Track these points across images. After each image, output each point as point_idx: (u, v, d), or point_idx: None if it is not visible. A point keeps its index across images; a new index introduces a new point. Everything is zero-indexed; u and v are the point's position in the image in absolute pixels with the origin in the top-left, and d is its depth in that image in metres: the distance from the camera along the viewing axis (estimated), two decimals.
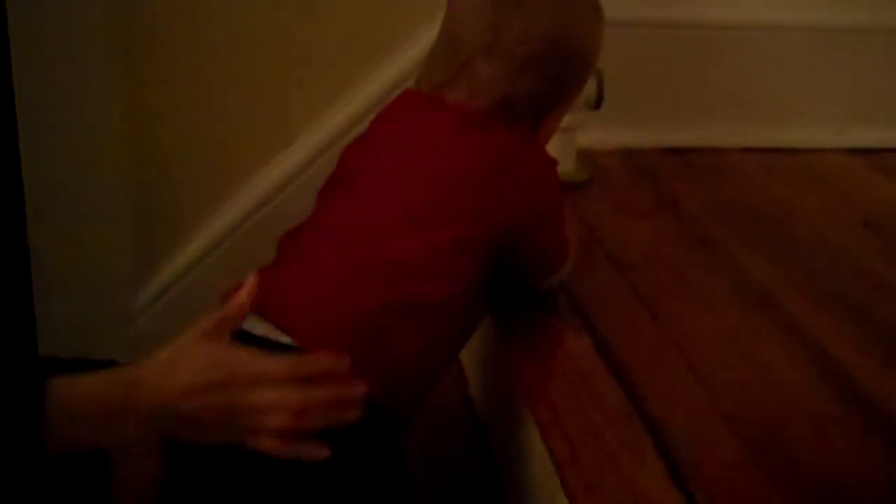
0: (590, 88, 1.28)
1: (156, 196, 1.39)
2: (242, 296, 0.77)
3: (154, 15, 1.30)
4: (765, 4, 1.52)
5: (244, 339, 0.81)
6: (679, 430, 0.82)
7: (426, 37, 1.37)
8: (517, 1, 0.94)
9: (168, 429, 0.74)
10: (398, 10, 1.38)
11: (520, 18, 0.93)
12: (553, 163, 1.00)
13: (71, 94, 1.27)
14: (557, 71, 0.96)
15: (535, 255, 0.99)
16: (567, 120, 1.31)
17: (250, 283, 0.78)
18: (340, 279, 0.88)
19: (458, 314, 0.93)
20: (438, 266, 0.89)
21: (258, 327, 0.84)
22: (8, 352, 1.05)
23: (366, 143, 1.02)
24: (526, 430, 0.96)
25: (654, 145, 1.54)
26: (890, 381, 0.91)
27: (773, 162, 1.52)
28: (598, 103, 1.29)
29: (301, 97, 1.40)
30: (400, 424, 0.90)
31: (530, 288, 1.04)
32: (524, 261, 0.99)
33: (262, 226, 1.42)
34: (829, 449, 0.81)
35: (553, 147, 1.32)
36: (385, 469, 0.87)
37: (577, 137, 1.36)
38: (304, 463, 0.75)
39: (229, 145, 1.39)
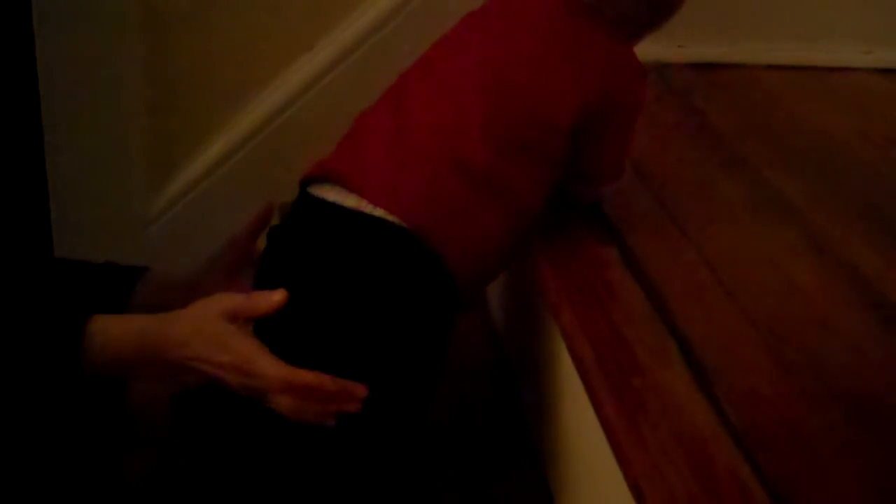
0: None
1: (173, 102, 1.37)
2: (271, 300, 0.84)
3: None
4: None
5: (325, 206, 0.89)
6: (705, 337, 0.82)
7: None
8: None
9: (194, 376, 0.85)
10: None
11: None
12: (644, 72, 1.01)
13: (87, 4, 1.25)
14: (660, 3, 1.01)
15: (596, 154, 0.98)
16: None
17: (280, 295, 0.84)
18: (422, 152, 0.89)
19: (530, 196, 0.94)
20: (518, 143, 0.91)
21: (346, 199, 0.88)
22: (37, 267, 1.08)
23: (466, 23, 1.03)
24: (549, 337, 0.96)
25: (681, 60, 1.51)
26: None
27: (799, 80, 1.49)
28: None
29: (319, 2, 1.37)
30: (462, 301, 0.92)
31: (574, 195, 1.03)
32: (583, 157, 0.97)
33: (279, 134, 1.40)
34: (856, 360, 0.81)
35: None
36: (437, 337, 0.90)
37: None
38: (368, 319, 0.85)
39: (248, 51, 1.37)
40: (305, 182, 0.94)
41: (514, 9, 1.00)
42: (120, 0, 1.26)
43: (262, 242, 1.11)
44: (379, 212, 0.86)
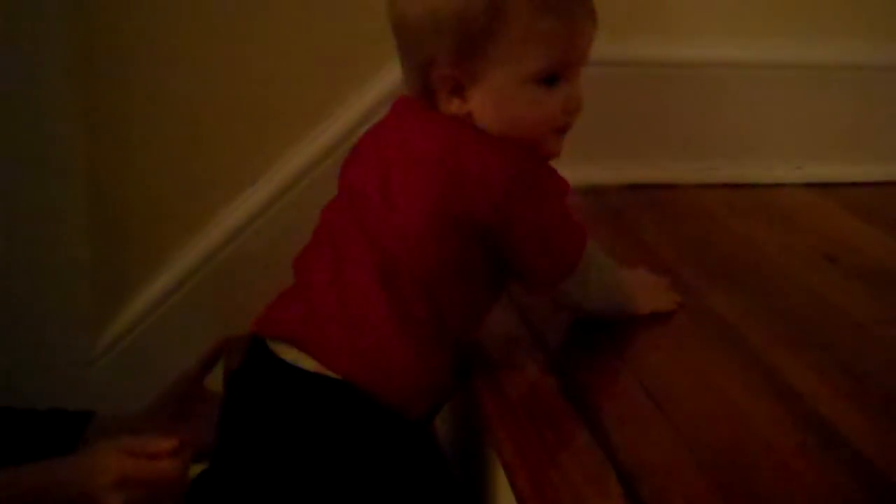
0: None
1: (116, 239, 1.37)
2: (165, 446, 0.91)
3: (117, 57, 1.29)
4: (725, 42, 1.54)
5: (289, 371, 0.90)
6: (643, 464, 0.82)
7: (391, 75, 1.38)
8: None
9: None
10: (363, 46, 1.37)
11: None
12: (500, 145, 0.90)
13: (30, 136, 1.25)
14: (413, 40, 0.91)
15: (520, 258, 0.94)
16: None
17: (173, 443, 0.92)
18: (369, 313, 0.90)
19: (471, 321, 0.98)
20: (447, 268, 0.91)
21: (305, 361, 0.90)
22: None
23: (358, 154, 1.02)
24: (490, 467, 0.96)
25: (616, 182, 1.55)
26: (854, 413, 0.91)
27: (733, 198, 1.53)
28: None
29: (263, 136, 1.39)
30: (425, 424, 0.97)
31: (544, 296, 1.01)
32: (512, 263, 0.94)
33: (224, 268, 1.40)
34: (793, 482, 0.81)
35: None
36: (422, 467, 0.92)
37: None
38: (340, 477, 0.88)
39: (191, 186, 1.39)
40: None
41: (387, 137, 0.98)
42: (63, 142, 1.27)
43: (211, 382, 1.12)
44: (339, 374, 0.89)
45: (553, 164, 1.38)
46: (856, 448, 0.85)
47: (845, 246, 1.35)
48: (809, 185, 1.60)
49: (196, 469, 0.98)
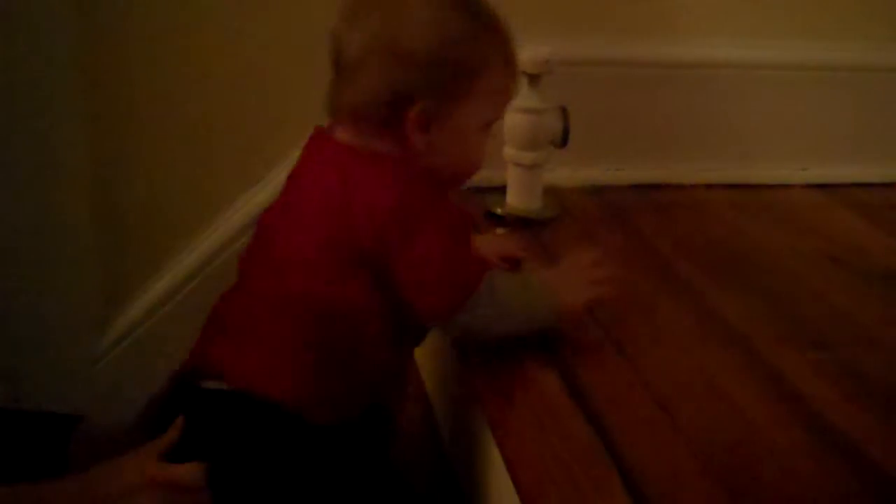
0: (556, 126, 1.29)
1: (119, 239, 1.37)
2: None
3: (117, 57, 1.29)
4: (729, 43, 1.54)
5: (207, 395, 0.94)
6: (647, 464, 0.82)
7: None
8: (353, 14, 0.94)
9: None
10: None
11: (353, 28, 0.93)
12: (392, 172, 0.91)
13: (33, 136, 1.25)
14: (402, 70, 0.90)
15: (402, 290, 0.92)
16: (533, 157, 1.32)
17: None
18: (288, 337, 0.93)
19: (384, 348, 0.97)
20: (339, 298, 0.92)
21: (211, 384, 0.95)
22: None
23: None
24: (493, 466, 0.95)
25: (621, 182, 1.55)
26: (859, 415, 0.91)
27: (738, 198, 1.53)
28: (564, 141, 1.30)
29: (265, 137, 1.39)
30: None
31: (448, 330, 1.00)
32: (399, 296, 0.92)
33: (227, 267, 1.39)
34: (797, 482, 0.80)
35: (520, 184, 1.33)
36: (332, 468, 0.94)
37: (543, 175, 1.37)
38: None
39: (195, 184, 1.38)
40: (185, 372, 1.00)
41: (303, 171, 1.01)
42: (65, 144, 1.27)
43: None
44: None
45: (557, 163, 1.39)
46: (861, 450, 0.85)
47: (849, 247, 1.35)
48: (814, 186, 1.60)
49: None
